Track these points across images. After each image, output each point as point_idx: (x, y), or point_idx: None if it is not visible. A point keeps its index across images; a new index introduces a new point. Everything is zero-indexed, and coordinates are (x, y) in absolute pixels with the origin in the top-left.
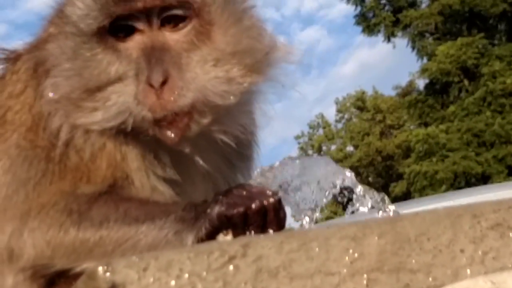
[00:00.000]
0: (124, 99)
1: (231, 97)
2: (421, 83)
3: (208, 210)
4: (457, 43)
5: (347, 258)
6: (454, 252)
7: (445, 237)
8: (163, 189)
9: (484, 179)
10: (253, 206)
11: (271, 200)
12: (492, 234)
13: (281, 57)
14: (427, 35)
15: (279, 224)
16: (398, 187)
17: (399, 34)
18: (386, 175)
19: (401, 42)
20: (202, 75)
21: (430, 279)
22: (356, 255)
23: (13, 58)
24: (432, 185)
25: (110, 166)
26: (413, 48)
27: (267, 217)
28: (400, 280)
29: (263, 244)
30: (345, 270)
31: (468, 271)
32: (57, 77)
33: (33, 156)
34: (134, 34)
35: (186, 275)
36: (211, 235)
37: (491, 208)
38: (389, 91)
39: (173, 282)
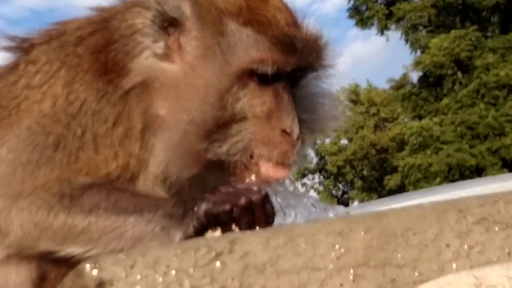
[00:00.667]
0: (251, 137)
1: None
2: (414, 76)
3: (195, 208)
4: (451, 35)
5: (333, 253)
6: (440, 247)
7: (431, 232)
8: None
9: (478, 172)
10: (240, 203)
11: (258, 196)
12: (478, 229)
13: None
14: (421, 27)
15: (267, 220)
16: (392, 180)
17: (393, 27)
18: (381, 168)
19: (395, 35)
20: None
21: (416, 274)
22: (342, 250)
23: (27, 47)
24: (427, 178)
25: (122, 167)
26: (407, 41)
27: (255, 214)
28: (386, 275)
29: (250, 240)
30: (331, 266)
31: (454, 265)
32: (184, 90)
33: (41, 141)
34: (275, 83)
35: (173, 272)
36: (199, 233)
37: (477, 203)
38: (383, 84)
39: (160, 279)
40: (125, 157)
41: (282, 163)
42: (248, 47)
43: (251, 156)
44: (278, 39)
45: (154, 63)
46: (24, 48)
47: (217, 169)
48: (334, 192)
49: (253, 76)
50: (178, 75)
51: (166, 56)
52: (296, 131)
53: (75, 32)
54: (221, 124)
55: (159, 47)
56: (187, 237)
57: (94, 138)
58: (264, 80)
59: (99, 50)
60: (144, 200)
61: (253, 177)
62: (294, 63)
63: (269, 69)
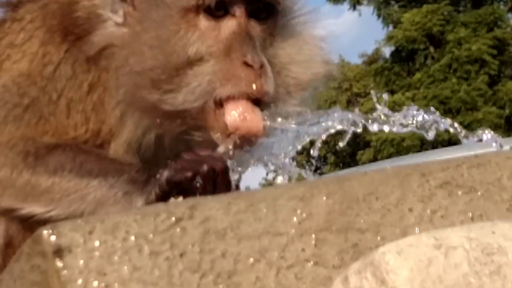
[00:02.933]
0: (210, 78)
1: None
2: (387, 51)
3: (158, 175)
4: (423, 10)
5: (295, 218)
6: (403, 211)
7: (394, 196)
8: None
9: (450, 146)
10: (202, 170)
11: (220, 163)
12: (441, 193)
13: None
14: (393, 2)
15: (228, 187)
16: (365, 155)
17: (365, 2)
18: (353, 143)
19: (367, 10)
20: (275, 74)
21: (379, 238)
22: (304, 215)
23: (15, 3)
24: (399, 152)
25: (92, 133)
26: (379, 16)
27: (216, 181)
28: (349, 239)
29: (210, 206)
30: (293, 231)
31: (417, 229)
32: (136, 47)
33: (12, 99)
34: (226, 16)
35: (133, 238)
36: (161, 200)
37: (440, 167)
38: (355, 60)
39: (119, 245)
40: (97, 123)
41: (251, 99)
42: None
43: (216, 101)
44: None
45: (116, 31)
46: (12, 4)
47: (181, 125)
48: (307, 167)
49: (199, 12)
50: (133, 35)
51: (125, 21)
52: (257, 60)
53: None
54: (174, 72)
55: (119, 15)
56: (149, 203)
57: (68, 104)
58: (212, 13)
59: (69, 14)
60: (109, 164)
61: (221, 137)
62: None
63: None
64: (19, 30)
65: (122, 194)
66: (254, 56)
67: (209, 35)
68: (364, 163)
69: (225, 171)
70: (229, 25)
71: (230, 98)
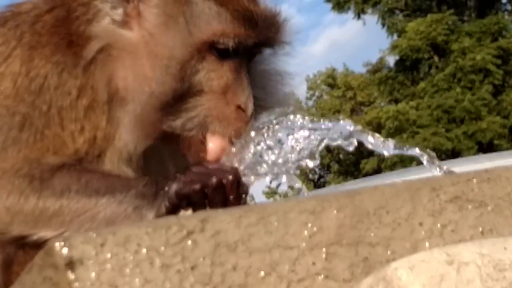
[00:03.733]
0: (206, 112)
1: None
2: (391, 60)
3: (166, 188)
4: (427, 19)
5: (306, 232)
6: (413, 226)
7: (404, 211)
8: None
9: (454, 155)
10: (210, 183)
11: (230, 176)
12: (451, 207)
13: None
14: (397, 12)
15: (239, 200)
16: (368, 164)
17: (369, 11)
18: (357, 152)
19: (371, 19)
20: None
21: (389, 252)
22: (315, 229)
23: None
24: (403, 162)
25: (89, 142)
26: (383, 25)
27: (226, 194)
28: (359, 253)
29: (222, 219)
30: (304, 244)
31: (427, 244)
32: (142, 58)
33: (6, 122)
34: (230, 58)
35: (144, 250)
36: (171, 213)
37: (450, 181)
38: (359, 69)
39: (131, 257)
40: (92, 131)
41: (233, 139)
42: (211, 19)
43: (204, 133)
44: (239, 12)
45: (113, 29)
46: None
47: (171, 143)
48: (310, 176)
49: (212, 49)
50: (138, 42)
51: (125, 23)
52: (250, 107)
53: (32, 12)
54: (178, 97)
55: (118, 13)
56: (159, 216)
57: (59, 113)
58: (223, 54)
59: (59, 24)
60: (115, 181)
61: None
62: (255, 38)
63: (230, 43)
64: None
65: (132, 209)
66: (249, 103)
67: (214, 71)
68: (367, 172)
69: (235, 183)
70: (231, 67)
71: (215, 134)
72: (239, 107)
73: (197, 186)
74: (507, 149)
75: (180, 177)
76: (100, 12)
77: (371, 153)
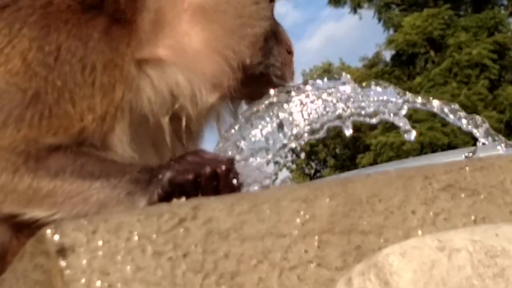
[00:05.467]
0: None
1: None
2: (387, 55)
3: (160, 176)
4: (423, 14)
5: (298, 220)
6: (406, 214)
7: (397, 199)
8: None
9: (451, 149)
10: (204, 172)
11: (223, 166)
12: (444, 196)
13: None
14: (393, 6)
15: (232, 190)
16: (365, 159)
17: (365, 5)
18: (353, 147)
19: (368, 13)
20: None
21: (382, 240)
22: (307, 216)
23: None
24: (399, 156)
25: (98, 120)
26: (380, 19)
27: (219, 184)
28: (352, 241)
29: (214, 206)
30: (296, 232)
31: (420, 232)
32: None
33: (12, 99)
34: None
35: (136, 238)
36: (163, 200)
37: (443, 170)
38: (356, 63)
39: (122, 245)
40: (104, 107)
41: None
42: None
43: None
44: None
45: None
46: None
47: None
48: (307, 170)
49: None
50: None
51: None
52: (293, 49)
53: None
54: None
55: None
56: (151, 204)
57: (73, 89)
58: None
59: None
60: (110, 165)
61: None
62: None
63: None
64: None
65: (125, 194)
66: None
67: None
68: (364, 166)
69: (229, 174)
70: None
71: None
72: (288, 51)
73: (190, 176)
74: None
75: (174, 165)
76: None
77: (367, 148)
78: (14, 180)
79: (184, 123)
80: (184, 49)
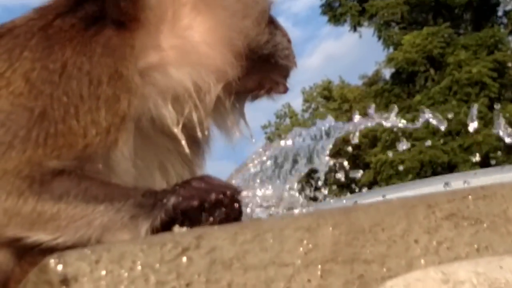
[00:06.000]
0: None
1: None
2: (387, 73)
3: (165, 200)
4: (423, 32)
5: (301, 249)
6: (409, 243)
7: (400, 228)
8: (131, 178)
9: (450, 168)
10: (209, 199)
11: (229, 193)
12: (447, 224)
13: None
14: (393, 24)
15: (236, 219)
16: (365, 176)
17: (365, 23)
18: (353, 165)
19: (367, 31)
20: None
21: (385, 269)
22: (310, 246)
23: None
24: (398, 174)
25: (102, 134)
26: (379, 37)
27: (224, 211)
28: (355, 270)
29: (217, 235)
30: (299, 261)
31: (422, 261)
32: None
33: (17, 121)
34: None
35: (139, 267)
36: (166, 226)
37: (446, 198)
38: (355, 81)
39: (125, 274)
40: (109, 119)
41: None
42: None
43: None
44: None
45: None
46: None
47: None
48: (308, 191)
49: None
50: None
51: None
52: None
53: (30, 22)
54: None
55: None
56: (154, 228)
57: (79, 103)
58: None
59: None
60: (114, 189)
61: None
62: None
63: None
64: None
65: (128, 218)
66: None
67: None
68: (363, 184)
69: (234, 201)
70: None
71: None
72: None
73: (195, 202)
74: (502, 162)
75: (179, 190)
76: None
77: (367, 165)
78: (19, 204)
79: (197, 126)
80: (188, 46)
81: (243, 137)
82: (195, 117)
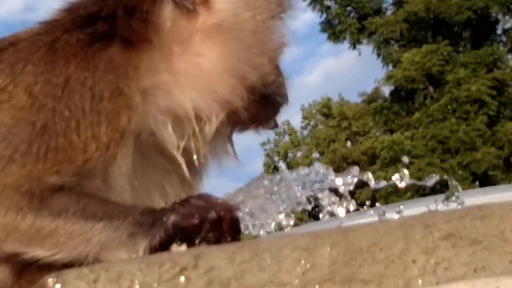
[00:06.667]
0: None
1: None
2: (386, 90)
3: (164, 219)
4: (422, 50)
5: (299, 268)
6: (406, 263)
7: (397, 248)
8: (128, 196)
9: (448, 186)
10: (209, 217)
11: (228, 212)
12: (444, 244)
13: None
14: (392, 42)
15: (234, 236)
16: (363, 194)
17: (365, 41)
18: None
19: (367, 49)
20: None
21: None
22: (308, 265)
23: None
24: (397, 192)
25: (102, 149)
26: (379, 55)
27: (222, 229)
28: None
29: (215, 255)
30: (297, 281)
31: (420, 281)
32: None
33: (18, 134)
34: None
35: (137, 287)
36: (164, 244)
37: (443, 219)
38: (354, 98)
39: None
40: (109, 134)
41: None
42: None
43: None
44: None
45: (180, 16)
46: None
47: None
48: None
49: None
50: (210, 27)
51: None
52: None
53: (35, 36)
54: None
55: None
56: (152, 247)
57: (80, 118)
58: None
59: (92, 25)
60: (113, 207)
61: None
62: None
63: None
64: None
65: (126, 236)
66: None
67: None
68: (362, 202)
69: (233, 221)
70: None
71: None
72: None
73: (195, 221)
74: (501, 180)
75: (178, 208)
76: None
77: (365, 183)
78: (17, 219)
79: (194, 153)
80: (195, 71)
81: (231, 164)
82: (193, 144)
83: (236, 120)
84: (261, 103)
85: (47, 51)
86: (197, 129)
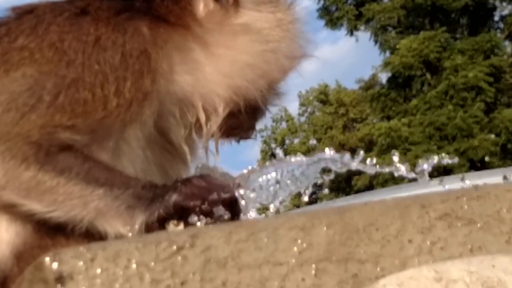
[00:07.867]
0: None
1: None
2: (383, 77)
3: (166, 197)
4: (420, 37)
5: (295, 248)
6: (402, 242)
7: (394, 228)
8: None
9: (446, 173)
10: (211, 198)
11: (228, 194)
12: (440, 224)
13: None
14: (390, 28)
15: (234, 218)
16: (360, 181)
17: (362, 28)
18: (349, 169)
19: (364, 36)
20: None
21: (378, 269)
22: (304, 245)
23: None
24: (394, 179)
25: (122, 107)
26: (376, 41)
27: (224, 210)
28: (349, 270)
29: (212, 235)
30: (293, 260)
31: (416, 261)
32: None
33: (44, 86)
34: None
35: (134, 265)
36: (162, 221)
37: (439, 199)
38: (352, 85)
39: (121, 272)
40: (132, 92)
41: None
42: None
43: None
44: None
45: (214, 9)
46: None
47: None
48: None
49: None
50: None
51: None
52: None
53: (55, 4)
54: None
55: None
56: (149, 222)
57: (107, 72)
58: None
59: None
60: (116, 176)
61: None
62: None
63: None
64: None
65: (125, 207)
66: None
67: None
68: (359, 188)
69: (234, 202)
70: None
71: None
72: None
73: (197, 202)
74: (498, 166)
75: (180, 187)
76: None
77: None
78: (20, 168)
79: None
80: (222, 60)
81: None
82: (195, 136)
83: (227, 123)
84: (249, 113)
85: (73, 14)
86: (203, 117)
